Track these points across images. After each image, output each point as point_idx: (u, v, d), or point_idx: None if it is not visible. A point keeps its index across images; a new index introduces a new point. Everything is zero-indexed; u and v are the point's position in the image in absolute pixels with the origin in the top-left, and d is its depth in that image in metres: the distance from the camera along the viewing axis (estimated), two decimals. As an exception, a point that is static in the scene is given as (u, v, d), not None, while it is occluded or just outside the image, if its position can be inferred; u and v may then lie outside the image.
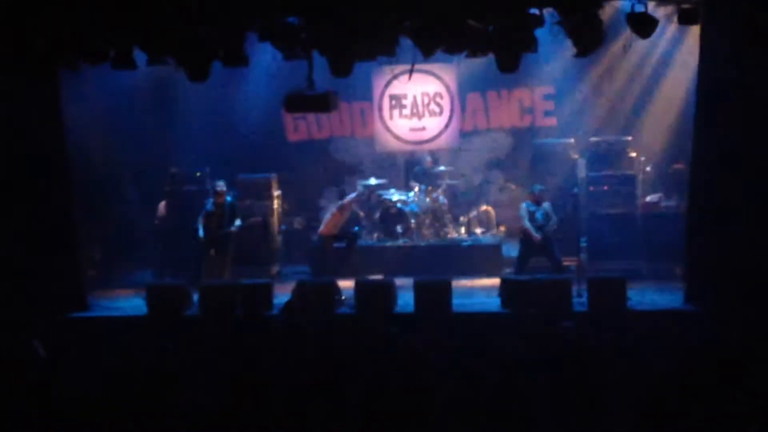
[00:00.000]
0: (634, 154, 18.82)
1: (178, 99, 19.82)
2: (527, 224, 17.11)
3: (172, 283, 17.26)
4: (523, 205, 17.38)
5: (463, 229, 19.88)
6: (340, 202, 18.34)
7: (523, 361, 13.07)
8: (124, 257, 19.86)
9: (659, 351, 12.74)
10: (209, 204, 17.65)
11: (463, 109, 21.29)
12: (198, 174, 19.19)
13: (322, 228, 18.25)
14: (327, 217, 18.35)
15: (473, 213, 20.16)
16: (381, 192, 20.02)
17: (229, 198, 17.76)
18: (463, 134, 21.29)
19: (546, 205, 17.26)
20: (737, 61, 14.31)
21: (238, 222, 17.71)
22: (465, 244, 19.40)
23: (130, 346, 13.76)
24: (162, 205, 19.31)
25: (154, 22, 14.22)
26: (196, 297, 16.27)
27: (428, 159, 20.46)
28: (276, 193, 19.88)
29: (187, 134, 20.31)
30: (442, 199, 19.77)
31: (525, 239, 17.23)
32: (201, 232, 17.47)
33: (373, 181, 20.07)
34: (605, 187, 18.58)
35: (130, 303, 16.95)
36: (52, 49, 14.52)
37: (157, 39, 14.33)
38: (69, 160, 16.46)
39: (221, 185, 17.74)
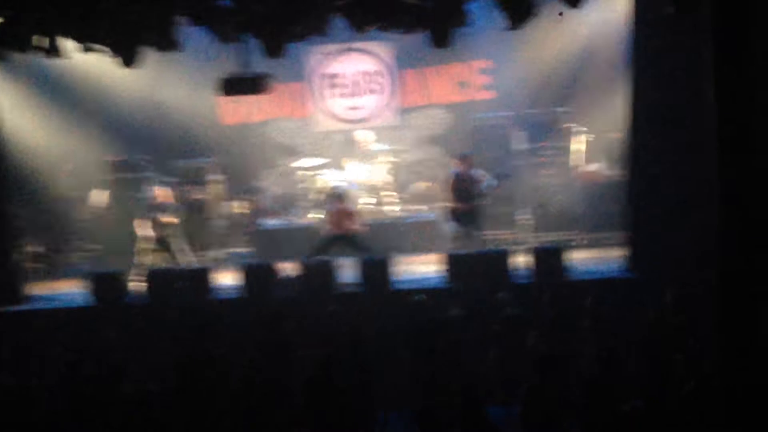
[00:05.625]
0: (571, 125, 18.90)
1: (112, 86, 19.65)
2: (450, 195, 17.23)
3: (113, 271, 17.15)
4: (450, 175, 17.50)
5: (403, 206, 19.89)
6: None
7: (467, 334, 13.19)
8: (66, 248, 19.76)
9: (602, 319, 12.89)
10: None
11: (400, 86, 21.27)
12: (135, 162, 19.10)
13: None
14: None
15: (413, 189, 20.18)
16: (320, 172, 20.02)
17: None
18: (402, 111, 21.28)
19: (475, 171, 17.23)
20: (669, 26, 14.39)
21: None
22: (406, 220, 19.42)
23: (72, 337, 13.71)
24: (95, 193, 19.17)
25: (84, 9, 14.05)
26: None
27: (368, 137, 20.43)
28: (215, 177, 19.80)
29: (123, 122, 20.20)
30: (381, 176, 19.75)
31: (453, 211, 17.29)
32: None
33: (311, 161, 20.04)
34: (544, 159, 18.68)
35: (72, 293, 16.83)
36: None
37: (88, 26, 14.17)
38: (3, 152, 16.31)
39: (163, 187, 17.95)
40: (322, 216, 17.95)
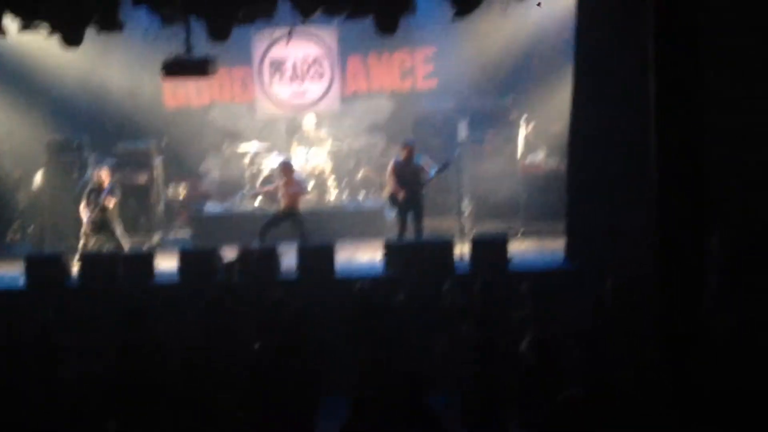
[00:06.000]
0: (515, 115, 18.95)
1: (53, 66, 19.41)
2: (390, 181, 17.19)
3: (51, 254, 16.99)
4: (391, 161, 17.48)
5: (346, 193, 19.87)
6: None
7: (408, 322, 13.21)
8: (2, 230, 19.51)
9: (540, 309, 12.95)
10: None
11: (343, 72, 21.21)
12: (75, 143, 18.94)
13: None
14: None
15: (356, 177, 20.16)
16: (264, 157, 19.92)
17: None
18: (344, 98, 21.22)
19: (417, 159, 17.19)
20: (614, 19, 14.47)
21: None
22: (348, 208, 19.39)
23: (9, 320, 13.55)
24: (38, 174, 18.99)
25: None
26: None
27: (311, 123, 20.34)
28: (156, 161, 19.65)
29: (63, 103, 20.02)
30: (324, 163, 19.70)
31: (392, 197, 17.26)
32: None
33: (254, 146, 19.95)
34: (487, 148, 18.72)
35: (9, 276, 16.65)
36: None
37: (30, 4, 13.99)
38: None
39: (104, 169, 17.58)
40: (272, 191, 17.87)
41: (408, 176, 17.00)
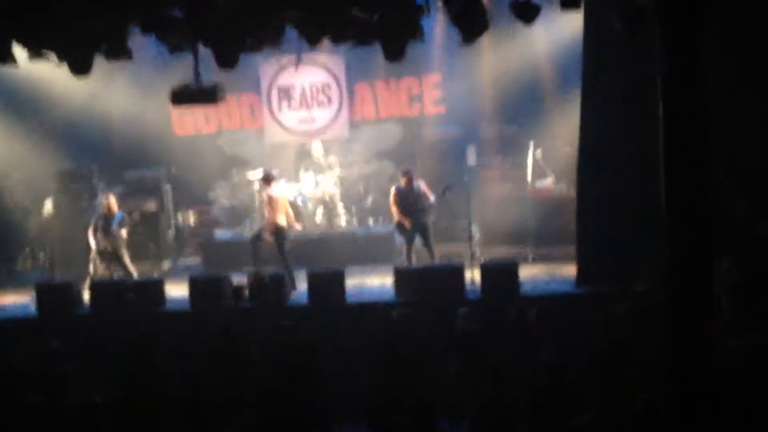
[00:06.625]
0: (523, 140, 18.96)
1: (62, 95, 19.45)
2: (394, 210, 17.14)
3: (62, 282, 17.00)
4: (393, 190, 17.40)
5: (355, 219, 19.87)
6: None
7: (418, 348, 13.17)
8: (13, 258, 19.52)
9: (550, 334, 12.92)
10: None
11: (351, 98, 21.25)
12: (85, 171, 18.98)
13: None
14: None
15: (365, 203, 20.17)
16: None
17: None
18: (353, 124, 21.25)
19: (418, 185, 17.19)
20: (621, 43, 14.47)
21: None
22: (357, 233, 19.39)
23: (17, 348, 13.54)
24: (48, 202, 19.02)
25: (37, 16, 13.92)
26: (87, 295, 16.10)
27: (319, 149, 20.37)
28: (166, 188, 19.68)
29: (73, 131, 20.05)
30: (333, 189, 19.71)
31: (399, 225, 17.25)
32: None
33: (262, 173, 19.97)
34: (495, 174, 18.72)
35: (19, 304, 16.66)
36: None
37: (38, 33, 14.02)
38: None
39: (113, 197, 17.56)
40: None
41: (411, 203, 17.00)
